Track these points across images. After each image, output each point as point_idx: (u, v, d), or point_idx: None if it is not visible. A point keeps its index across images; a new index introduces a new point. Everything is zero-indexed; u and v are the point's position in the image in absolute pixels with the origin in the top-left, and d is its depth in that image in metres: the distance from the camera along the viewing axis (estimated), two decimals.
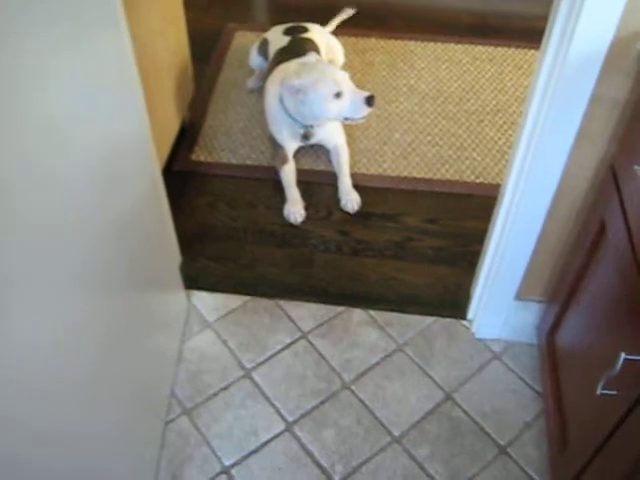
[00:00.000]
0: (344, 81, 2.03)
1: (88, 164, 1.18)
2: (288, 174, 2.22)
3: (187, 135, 2.38)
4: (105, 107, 1.24)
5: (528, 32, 2.87)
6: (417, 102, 2.53)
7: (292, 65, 2.17)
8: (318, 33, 2.44)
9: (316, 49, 2.31)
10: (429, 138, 2.39)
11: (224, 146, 2.35)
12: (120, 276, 1.39)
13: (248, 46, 2.67)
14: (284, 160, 2.22)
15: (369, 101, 2.03)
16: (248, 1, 3.06)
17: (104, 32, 1.23)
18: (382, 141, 2.38)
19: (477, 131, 2.42)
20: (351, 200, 2.18)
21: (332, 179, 2.25)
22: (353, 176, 2.25)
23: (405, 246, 2.09)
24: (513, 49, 2.79)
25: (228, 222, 2.14)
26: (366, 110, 2.05)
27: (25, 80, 0.94)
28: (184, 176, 2.27)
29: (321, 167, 2.29)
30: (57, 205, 1.06)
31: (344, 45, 2.59)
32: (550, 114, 1.36)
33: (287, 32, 2.40)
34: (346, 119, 2.08)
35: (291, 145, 2.22)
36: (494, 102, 2.54)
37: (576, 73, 1.29)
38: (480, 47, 2.80)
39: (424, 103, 2.52)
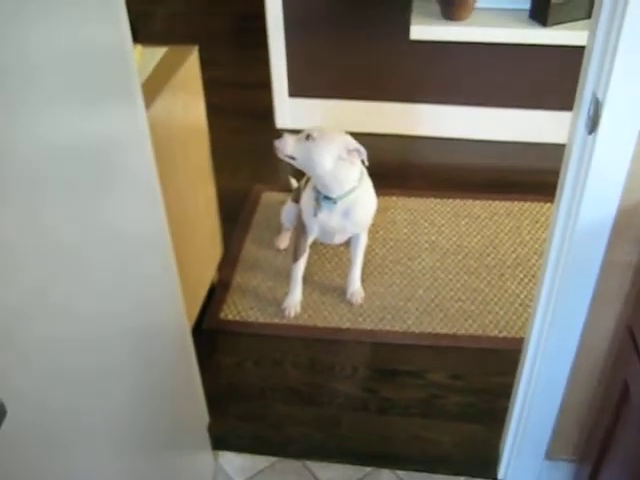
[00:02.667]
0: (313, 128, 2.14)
1: (123, 323, 1.23)
2: (299, 270, 2.36)
3: (216, 294, 2.46)
4: (137, 267, 1.31)
5: (543, 186, 2.96)
6: (439, 258, 2.60)
7: None
8: None
9: None
10: (452, 293, 2.45)
11: (252, 305, 2.42)
12: (148, 436, 1.42)
13: (275, 206, 2.81)
14: (303, 251, 2.33)
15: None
16: (274, 164, 3.22)
17: (136, 193, 1.31)
18: (406, 297, 2.43)
19: (499, 285, 2.48)
20: (355, 293, 2.40)
21: (358, 336, 2.29)
22: (377, 333, 2.30)
23: (431, 403, 2.09)
24: (529, 203, 2.89)
25: (255, 381, 2.17)
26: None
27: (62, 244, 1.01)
28: (212, 335, 2.33)
29: (347, 325, 2.33)
30: (92, 363, 1.10)
31: None
32: (565, 276, 1.41)
33: None
34: None
35: (313, 225, 2.27)
36: (514, 256, 2.61)
37: (587, 239, 1.35)
38: (497, 202, 2.90)
39: (445, 259, 2.60)
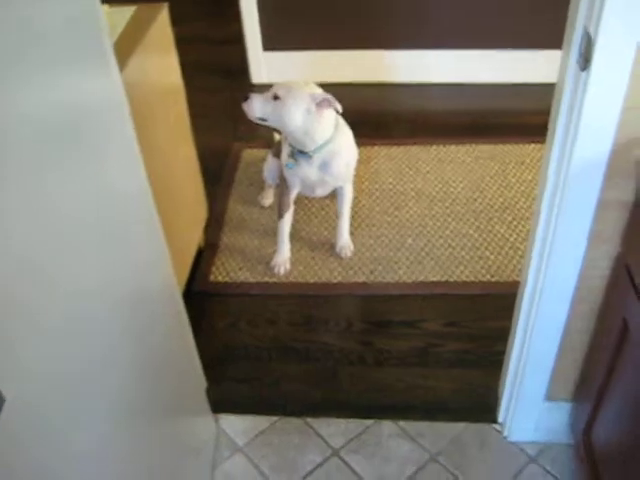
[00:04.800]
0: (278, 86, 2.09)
1: (113, 289, 1.20)
2: (285, 226, 2.33)
3: (204, 256, 2.43)
4: (123, 231, 1.27)
5: (525, 127, 2.96)
6: (426, 206, 2.58)
7: None
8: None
9: None
10: (441, 241, 2.43)
11: (241, 265, 2.39)
12: (147, 404, 1.40)
13: (256, 163, 2.76)
14: (287, 206, 2.30)
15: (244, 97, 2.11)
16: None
17: (115, 151, 1.26)
18: (395, 247, 2.41)
19: (487, 229, 2.46)
20: (344, 247, 2.38)
21: (350, 289, 2.28)
22: (369, 285, 2.28)
23: (428, 352, 2.09)
24: (513, 145, 2.86)
25: (250, 341, 2.16)
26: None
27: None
28: (203, 298, 2.30)
29: (338, 279, 2.32)
30: (85, 336, 1.07)
31: None
32: (561, 216, 1.39)
33: None
34: None
35: (294, 179, 2.24)
36: (501, 199, 2.59)
37: (581, 178, 1.33)
38: (481, 146, 2.87)
39: (433, 206, 2.57)
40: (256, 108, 2.08)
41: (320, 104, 2.04)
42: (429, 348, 2.10)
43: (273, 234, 2.40)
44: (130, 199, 1.31)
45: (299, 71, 3.27)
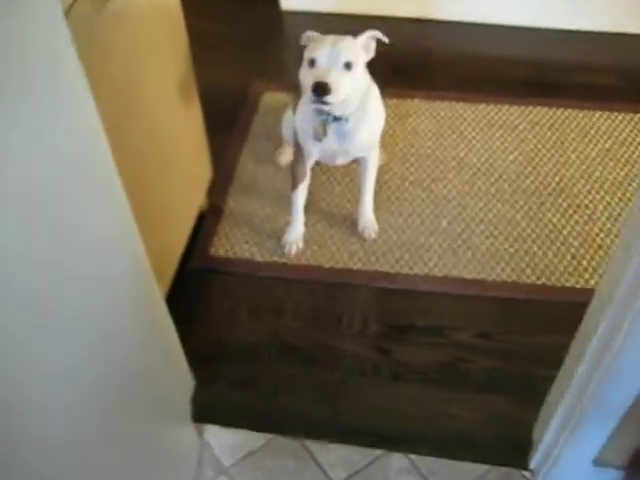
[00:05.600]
0: (325, 51, 1.61)
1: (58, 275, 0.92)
2: (299, 199, 2.00)
3: (205, 223, 2.10)
4: (68, 199, 0.97)
5: (591, 89, 2.54)
6: (467, 180, 2.21)
7: None
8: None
9: None
10: (482, 227, 2.08)
11: (247, 237, 2.07)
12: (111, 406, 1.15)
13: (278, 110, 2.38)
14: (303, 176, 1.95)
15: (316, 90, 1.57)
16: (279, 55, 2.77)
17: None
18: (428, 231, 2.07)
19: (538, 217, 2.10)
20: (367, 227, 2.06)
21: (371, 279, 1.96)
22: (393, 277, 1.96)
23: (454, 368, 1.79)
24: (577, 111, 2.45)
25: (249, 335, 1.86)
26: (311, 100, 1.61)
27: None
28: (201, 275, 2.00)
29: (358, 265, 1.99)
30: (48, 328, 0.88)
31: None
32: None
33: None
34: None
35: (312, 149, 1.86)
36: (557, 179, 2.22)
37: None
38: (539, 109, 2.47)
39: (476, 181, 2.21)
40: (342, 87, 1.61)
41: (369, 47, 1.71)
42: (456, 364, 1.80)
43: (288, 201, 2.06)
44: (75, 157, 0.98)
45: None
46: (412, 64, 2.63)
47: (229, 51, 2.73)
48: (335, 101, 1.61)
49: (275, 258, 2.02)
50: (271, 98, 2.53)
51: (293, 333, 1.87)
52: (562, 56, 2.71)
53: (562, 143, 2.34)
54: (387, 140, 2.26)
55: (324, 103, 1.60)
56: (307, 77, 1.65)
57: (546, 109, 2.47)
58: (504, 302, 1.92)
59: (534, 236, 2.06)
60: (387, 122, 1.98)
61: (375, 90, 1.84)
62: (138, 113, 1.53)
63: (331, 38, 1.66)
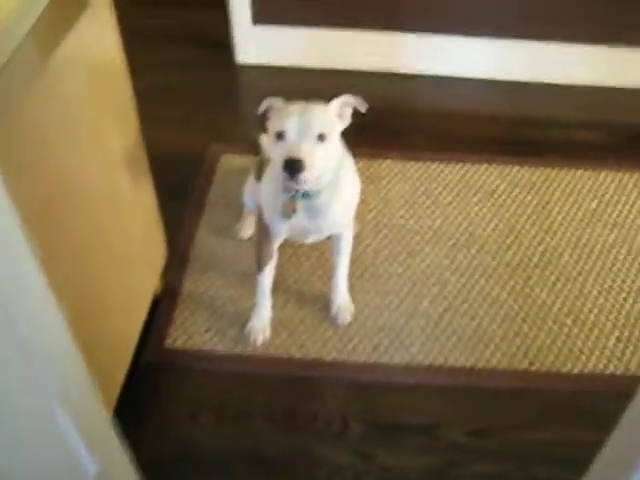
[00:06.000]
0: (294, 121, 1.40)
1: None
2: (267, 278, 1.78)
3: (160, 310, 1.88)
4: None
5: (569, 145, 2.41)
6: (446, 253, 2.04)
7: None
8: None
9: None
10: (466, 306, 1.90)
11: (208, 324, 1.85)
12: None
13: (238, 175, 2.19)
14: (269, 256, 1.73)
15: (288, 168, 1.38)
16: (237, 112, 2.58)
17: None
18: (407, 313, 1.88)
19: (525, 293, 1.93)
20: (342, 309, 1.85)
21: (346, 371, 1.75)
22: (372, 367, 1.77)
23: (446, 474, 1.58)
24: (557, 170, 2.31)
25: (212, 443, 1.64)
26: (282, 178, 1.41)
27: None
28: (157, 370, 1.77)
29: (332, 355, 1.79)
30: None
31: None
32: None
33: None
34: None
35: (280, 227, 1.65)
36: (541, 249, 2.06)
37: None
38: (517, 168, 2.32)
39: (455, 254, 2.03)
40: (316, 167, 1.42)
41: (343, 114, 1.51)
42: (448, 469, 1.60)
43: (252, 279, 1.84)
44: None
45: (295, 51, 2.67)
46: (382, 121, 2.46)
47: (181, 109, 2.53)
48: (310, 178, 1.41)
49: (240, 349, 1.80)
50: (229, 161, 2.33)
51: (263, 438, 1.64)
52: (539, 111, 2.58)
53: (544, 206, 2.19)
54: (358, 207, 2.07)
55: (297, 181, 1.41)
56: (275, 152, 1.45)
57: (525, 168, 2.32)
58: (496, 392, 1.73)
59: (523, 315, 1.88)
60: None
61: (349, 159, 1.66)
62: (79, 198, 1.32)
63: (298, 107, 1.46)
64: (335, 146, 1.49)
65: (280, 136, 1.44)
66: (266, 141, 1.70)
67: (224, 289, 1.94)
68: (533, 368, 1.77)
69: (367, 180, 2.25)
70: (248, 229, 2.06)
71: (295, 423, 1.67)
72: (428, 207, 2.18)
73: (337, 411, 1.69)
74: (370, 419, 1.68)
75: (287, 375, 1.76)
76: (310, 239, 1.75)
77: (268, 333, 1.81)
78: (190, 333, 1.83)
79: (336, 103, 1.50)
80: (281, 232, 1.69)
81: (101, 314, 1.45)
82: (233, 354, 1.79)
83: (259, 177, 1.78)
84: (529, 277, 1.98)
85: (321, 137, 1.42)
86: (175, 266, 1.97)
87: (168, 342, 1.81)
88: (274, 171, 1.54)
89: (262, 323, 1.81)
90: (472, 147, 2.40)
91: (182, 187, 2.22)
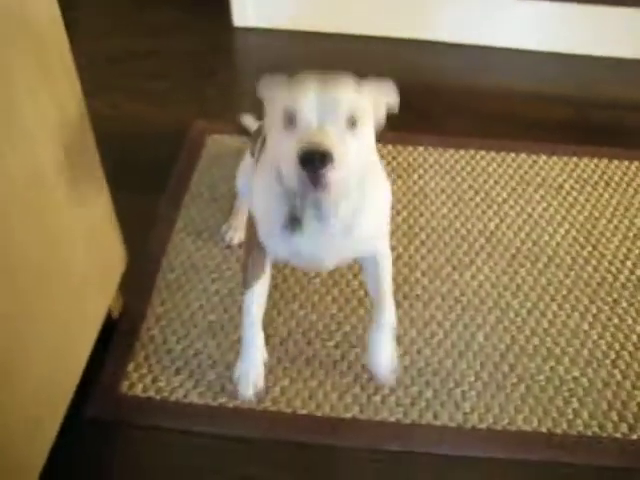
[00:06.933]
0: (312, 98, 0.92)
1: None
2: (255, 300, 1.23)
3: (115, 342, 1.36)
4: None
5: None
6: (504, 267, 1.53)
7: None
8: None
9: None
10: (535, 342, 1.40)
11: (180, 363, 1.34)
12: None
13: (226, 160, 1.70)
14: (259, 269, 1.21)
15: (309, 162, 0.89)
16: (229, 86, 2.07)
17: None
18: (457, 351, 1.37)
19: (613, 324, 1.43)
20: (384, 363, 1.26)
21: (370, 439, 1.24)
22: (407, 431, 1.25)
23: None
24: (636, 163, 1.80)
25: None
26: (297, 180, 0.91)
27: None
28: (105, 429, 1.26)
29: (353, 411, 1.27)
30: None
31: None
32: None
33: None
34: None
35: (281, 249, 1.15)
36: (629, 264, 1.56)
37: None
38: (586, 160, 1.81)
39: (517, 269, 1.54)
40: (347, 162, 0.91)
41: (378, 106, 1.05)
42: None
43: (240, 299, 1.32)
44: None
45: (300, 13, 2.17)
46: (411, 100, 1.93)
47: (168, 76, 2.03)
48: (339, 178, 0.89)
49: (222, 400, 1.29)
50: (218, 143, 1.83)
51: None
52: (613, 91, 2.07)
53: (627, 207, 1.69)
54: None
55: (320, 183, 0.89)
56: (284, 143, 0.93)
57: (597, 159, 1.81)
58: (585, 471, 1.22)
59: (613, 356, 1.38)
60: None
61: (378, 163, 1.15)
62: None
63: (316, 79, 0.95)
64: (369, 143, 0.99)
65: (290, 120, 0.93)
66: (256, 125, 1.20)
67: (203, 314, 1.42)
68: (634, 436, 1.25)
69: (393, 172, 1.74)
70: (239, 231, 1.55)
71: None
72: (477, 205, 1.67)
73: None
74: None
75: (287, 441, 1.25)
76: (327, 265, 1.22)
77: (262, 382, 1.28)
78: (155, 375, 1.32)
79: (372, 87, 1.02)
80: (276, 253, 1.17)
81: (30, 348, 0.95)
82: (213, 407, 1.27)
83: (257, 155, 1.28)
84: (616, 302, 1.47)
85: (352, 122, 0.93)
86: (139, 280, 1.45)
87: (124, 387, 1.30)
88: (274, 170, 1.04)
89: (251, 367, 1.28)
90: (528, 133, 1.89)
91: (157, 175, 1.71)
